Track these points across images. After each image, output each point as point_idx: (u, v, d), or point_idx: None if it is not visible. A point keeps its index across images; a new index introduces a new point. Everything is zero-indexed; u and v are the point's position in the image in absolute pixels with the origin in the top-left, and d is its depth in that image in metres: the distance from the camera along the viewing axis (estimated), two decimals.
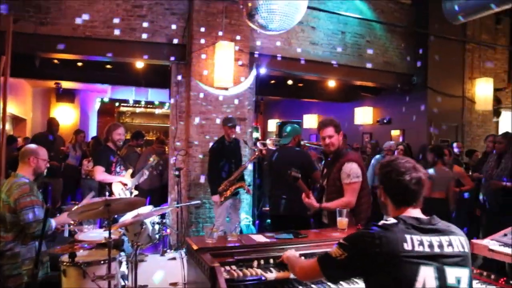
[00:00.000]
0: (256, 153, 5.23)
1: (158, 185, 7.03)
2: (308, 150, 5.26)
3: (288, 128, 4.61)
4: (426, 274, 1.60)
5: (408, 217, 1.71)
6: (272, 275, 2.21)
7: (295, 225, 3.40)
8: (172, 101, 6.26)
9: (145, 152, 6.95)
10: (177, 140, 6.14)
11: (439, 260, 1.64)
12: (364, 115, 9.55)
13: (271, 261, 2.32)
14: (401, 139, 8.38)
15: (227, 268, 2.20)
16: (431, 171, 5.09)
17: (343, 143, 3.33)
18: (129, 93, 11.31)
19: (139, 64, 6.76)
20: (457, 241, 1.69)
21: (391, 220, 1.70)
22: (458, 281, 1.65)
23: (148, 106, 11.30)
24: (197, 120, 6.01)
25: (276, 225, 4.40)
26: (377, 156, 6.87)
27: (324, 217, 3.35)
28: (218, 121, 6.07)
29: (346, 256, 1.69)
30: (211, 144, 5.65)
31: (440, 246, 1.66)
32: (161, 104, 11.32)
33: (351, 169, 3.12)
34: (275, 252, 2.37)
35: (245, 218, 6.24)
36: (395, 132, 8.79)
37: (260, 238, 2.57)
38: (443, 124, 8.10)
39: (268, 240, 2.54)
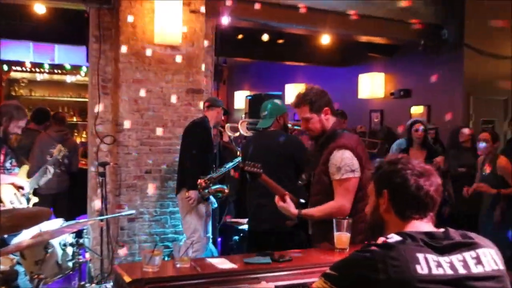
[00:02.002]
0: (238, 155, 5.36)
1: (67, 187, 6.93)
2: (299, 135, 5.30)
3: (269, 106, 4.61)
4: None
5: (417, 232, 1.76)
6: None
7: (283, 244, 3.42)
8: (91, 64, 6.14)
9: (39, 141, 6.79)
10: (100, 121, 6.04)
11: (468, 285, 1.68)
12: (372, 85, 9.67)
13: None
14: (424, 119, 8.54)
15: None
16: None
17: (336, 122, 3.34)
18: (24, 52, 10.98)
19: (39, 8, 6.57)
20: (487, 256, 1.74)
21: (395, 237, 1.73)
22: None
23: (55, 71, 11.08)
24: (129, 92, 5.94)
25: (257, 244, 4.43)
26: (400, 141, 7.01)
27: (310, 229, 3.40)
28: (158, 92, 6.02)
29: None
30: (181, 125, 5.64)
31: (466, 266, 1.70)
32: (75, 69, 11.12)
33: (343, 160, 3.13)
34: (245, 283, 2.38)
35: None
36: (416, 110, 8.95)
37: (223, 264, 2.58)
38: (486, 97, 8.27)
39: (234, 266, 2.55)
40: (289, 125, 4.85)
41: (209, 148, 5.51)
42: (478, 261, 1.71)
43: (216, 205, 5.81)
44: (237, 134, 5.67)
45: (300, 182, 3.52)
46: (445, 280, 1.64)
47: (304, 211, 3.26)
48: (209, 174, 5.28)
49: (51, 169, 4.81)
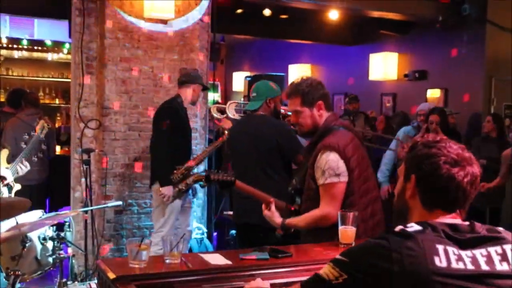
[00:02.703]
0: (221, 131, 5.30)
1: (46, 178, 6.92)
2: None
3: (259, 86, 4.56)
4: None
5: (440, 223, 1.75)
6: None
7: (274, 238, 3.42)
8: (74, 40, 6.12)
9: (10, 127, 6.65)
10: (84, 104, 6.04)
11: (490, 283, 1.66)
12: (384, 66, 9.64)
13: None
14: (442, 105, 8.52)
15: None
16: None
17: (330, 117, 3.28)
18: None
19: None
20: None
21: (414, 227, 1.73)
22: None
23: (35, 48, 11.01)
24: (116, 72, 5.95)
25: (244, 238, 4.44)
26: (406, 128, 7.00)
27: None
28: (148, 71, 6.00)
29: (346, 279, 1.71)
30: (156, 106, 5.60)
31: (489, 262, 1.68)
32: (57, 46, 11.06)
33: (327, 162, 3.09)
34: (240, 281, 2.38)
35: (196, 228, 6.26)
36: (433, 93, 8.93)
37: (217, 259, 2.58)
38: (509, 79, 8.23)
39: (229, 262, 2.56)
40: (282, 111, 4.76)
41: (184, 133, 5.40)
42: (504, 257, 1.70)
43: (191, 195, 5.74)
44: (224, 116, 5.61)
45: (290, 188, 3.49)
46: (464, 275, 1.64)
47: (289, 220, 3.24)
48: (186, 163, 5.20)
49: (24, 167, 4.78)
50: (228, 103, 5.54)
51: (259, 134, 4.35)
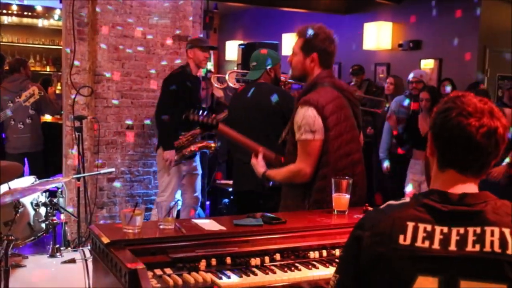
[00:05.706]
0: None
1: (40, 146, 6.88)
2: (291, 90, 5.27)
3: (259, 55, 4.55)
4: None
5: (435, 191, 1.64)
6: (229, 282, 2.24)
7: (274, 206, 3.45)
8: (64, 5, 6.06)
9: None
10: (76, 71, 6.00)
11: (452, 266, 1.53)
12: (378, 36, 9.60)
13: (228, 260, 2.35)
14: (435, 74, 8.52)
15: (158, 272, 2.21)
16: None
17: (322, 74, 3.25)
18: None
19: None
20: (495, 234, 1.53)
21: (404, 200, 1.68)
22: None
23: (25, 13, 10.93)
24: (109, 38, 5.92)
25: (244, 206, 4.45)
26: (399, 98, 6.98)
27: None
28: (140, 38, 5.95)
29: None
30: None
31: (461, 242, 1.54)
32: (48, 11, 10.97)
33: (304, 117, 3.08)
34: (234, 247, 2.40)
35: None
36: (427, 63, 8.92)
37: (211, 225, 2.59)
38: (504, 49, 8.24)
39: (223, 228, 2.57)
40: (282, 78, 4.75)
41: (191, 101, 5.43)
42: (479, 239, 1.53)
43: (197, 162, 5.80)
44: (225, 85, 5.62)
45: (279, 140, 3.50)
46: (424, 257, 1.56)
47: (269, 171, 3.28)
48: (192, 130, 5.26)
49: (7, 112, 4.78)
50: (228, 72, 5.53)
51: (263, 100, 4.33)
